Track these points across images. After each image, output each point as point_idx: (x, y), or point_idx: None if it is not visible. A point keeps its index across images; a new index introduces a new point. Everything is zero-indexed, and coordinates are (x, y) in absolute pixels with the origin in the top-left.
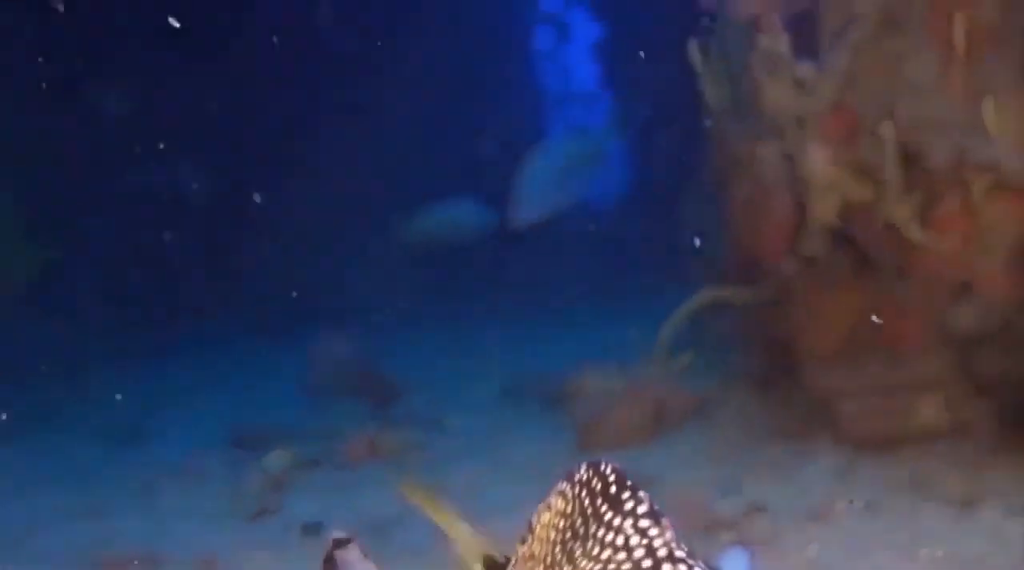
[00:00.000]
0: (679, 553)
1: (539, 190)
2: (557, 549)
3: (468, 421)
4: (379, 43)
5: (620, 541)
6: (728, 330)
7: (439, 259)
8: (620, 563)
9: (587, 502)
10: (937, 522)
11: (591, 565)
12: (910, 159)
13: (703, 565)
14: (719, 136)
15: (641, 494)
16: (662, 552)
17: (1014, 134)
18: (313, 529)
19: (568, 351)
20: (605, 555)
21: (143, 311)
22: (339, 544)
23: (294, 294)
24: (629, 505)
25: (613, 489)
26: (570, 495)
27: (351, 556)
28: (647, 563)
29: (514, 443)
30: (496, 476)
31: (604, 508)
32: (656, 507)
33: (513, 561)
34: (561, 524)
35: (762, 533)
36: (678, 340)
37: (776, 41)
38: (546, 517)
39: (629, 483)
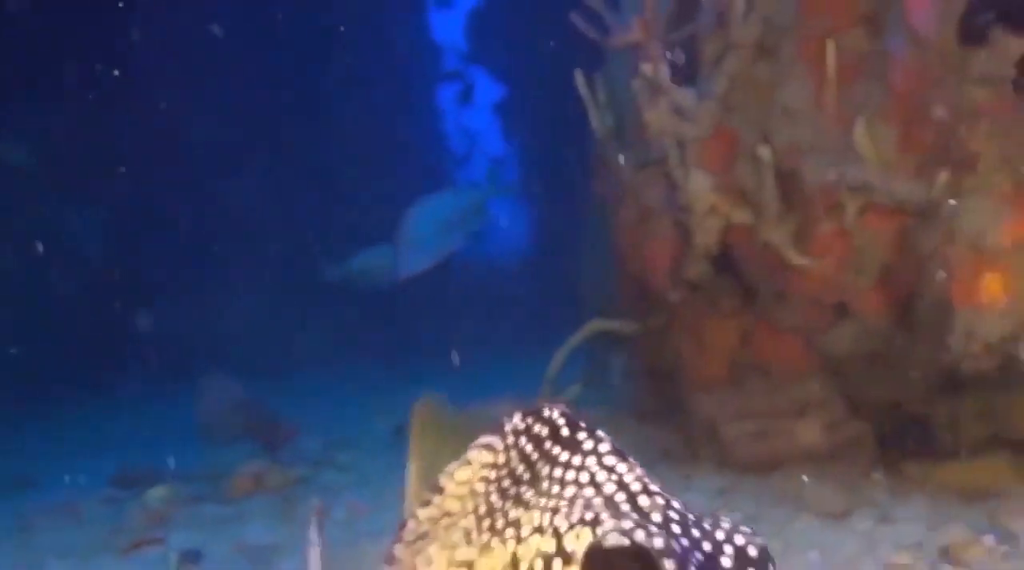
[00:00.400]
0: (653, 487)
1: (419, 243)
2: (493, 498)
3: (358, 458)
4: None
5: (585, 478)
6: (619, 360)
7: (344, 302)
8: (590, 498)
9: (529, 448)
10: (812, 530)
11: (553, 502)
12: (786, 182)
13: (679, 501)
14: (605, 165)
15: (600, 434)
16: (635, 486)
17: (883, 156)
18: (191, 557)
19: (470, 390)
20: (569, 492)
21: (32, 361)
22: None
23: (187, 338)
24: (589, 444)
25: (565, 431)
26: (501, 446)
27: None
28: (621, 497)
29: (399, 476)
30: (377, 504)
31: (557, 450)
32: (617, 445)
33: (412, 528)
34: (492, 475)
35: None
36: (569, 371)
37: (656, 69)
38: (464, 473)
39: (583, 425)
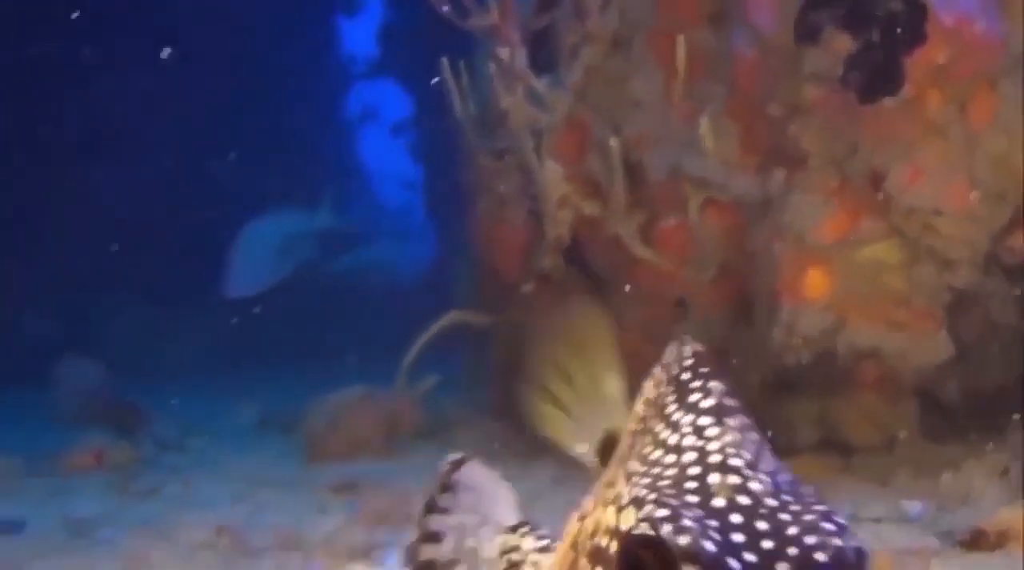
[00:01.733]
0: (735, 461)
1: (252, 264)
2: (633, 442)
3: (211, 444)
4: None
5: (673, 440)
6: (476, 352)
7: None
8: (665, 467)
9: (663, 388)
10: None
11: (638, 466)
12: (635, 175)
13: (765, 476)
14: (469, 152)
15: (713, 385)
16: (714, 458)
17: (724, 152)
18: (12, 527)
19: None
20: (654, 455)
21: None
22: (456, 466)
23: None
24: (694, 397)
25: (686, 375)
26: (655, 379)
27: (475, 472)
28: (694, 470)
29: (244, 458)
30: (213, 479)
31: (671, 398)
32: (728, 401)
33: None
34: (643, 413)
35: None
36: (425, 364)
37: (513, 55)
38: (640, 405)
39: (704, 370)
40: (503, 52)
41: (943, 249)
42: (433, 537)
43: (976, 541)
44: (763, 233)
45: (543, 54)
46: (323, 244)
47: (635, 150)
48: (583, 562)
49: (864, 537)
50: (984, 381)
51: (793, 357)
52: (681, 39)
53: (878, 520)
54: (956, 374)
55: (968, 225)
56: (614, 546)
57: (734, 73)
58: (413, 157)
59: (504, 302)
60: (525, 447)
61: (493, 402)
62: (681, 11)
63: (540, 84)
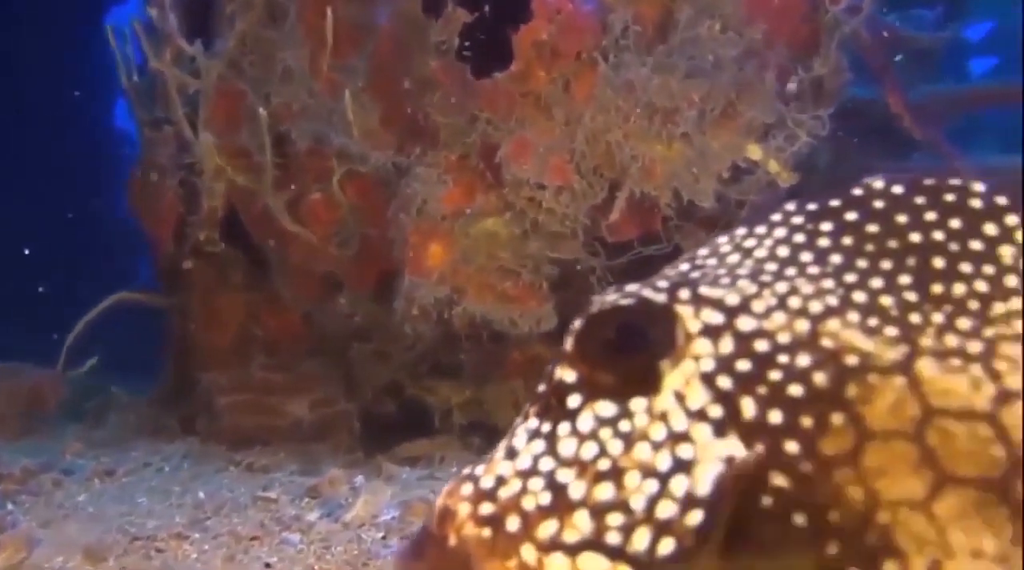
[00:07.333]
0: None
1: None
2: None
3: None
4: None
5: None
6: (146, 331)
7: None
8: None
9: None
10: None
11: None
12: (283, 147)
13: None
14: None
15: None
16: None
17: (365, 125)
18: None
19: None
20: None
21: None
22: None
23: None
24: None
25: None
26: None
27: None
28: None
29: None
30: None
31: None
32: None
33: None
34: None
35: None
36: (92, 343)
37: (163, 18)
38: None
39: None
40: (152, 12)
41: (547, 223)
42: None
43: None
44: (394, 207)
45: (198, 19)
46: None
47: (284, 121)
48: None
49: None
50: None
51: (413, 327)
52: (329, 11)
53: None
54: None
55: (569, 200)
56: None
57: (376, 47)
58: None
59: (173, 280)
60: (178, 427)
61: (161, 383)
62: None
63: (192, 49)
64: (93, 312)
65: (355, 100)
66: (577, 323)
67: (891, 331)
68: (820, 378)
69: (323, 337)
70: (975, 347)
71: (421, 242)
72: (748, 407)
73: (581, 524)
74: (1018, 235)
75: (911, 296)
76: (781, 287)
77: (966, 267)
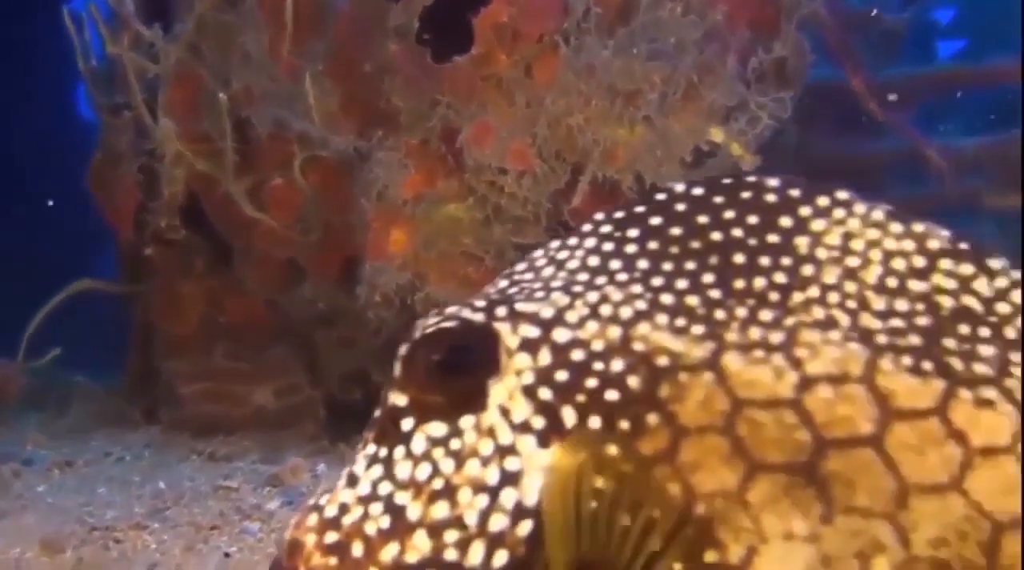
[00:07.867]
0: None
1: None
2: None
3: None
4: None
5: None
6: (110, 319)
7: None
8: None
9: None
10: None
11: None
12: (243, 132)
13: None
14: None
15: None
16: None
17: (327, 110)
18: None
19: None
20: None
21: None
22: None
23: None
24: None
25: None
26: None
27: None
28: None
29: None
30: None
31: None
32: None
33: None
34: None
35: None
36: (55, 331)
37: (120, 2)
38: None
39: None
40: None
41: (509, 208)
42: None
43: None
44: (356, 193)
45: (156, 2)
46: None
47: (245, 106)
48: None
49: None
50: None
51: (376, 314)
52: None
53: None
54: None
55: (532, 184)
56: None
57: (336, 30)
58: None
59: (134, 268)
60: (141, 416)
61: (124, 372)
62: None
63: (150, 33)
64: (53, 302)
65: (316, 84)
66: (403, 349)
67: (698, 329)
68: (634, 381)
69: (287, 324)
70: (776, 337)
71: (382, 228)
72: (569, 416)
73: (420, 544)
74: (812, 225)
75: (715, 293)
76: (592, 296)
77: (765, 260)
